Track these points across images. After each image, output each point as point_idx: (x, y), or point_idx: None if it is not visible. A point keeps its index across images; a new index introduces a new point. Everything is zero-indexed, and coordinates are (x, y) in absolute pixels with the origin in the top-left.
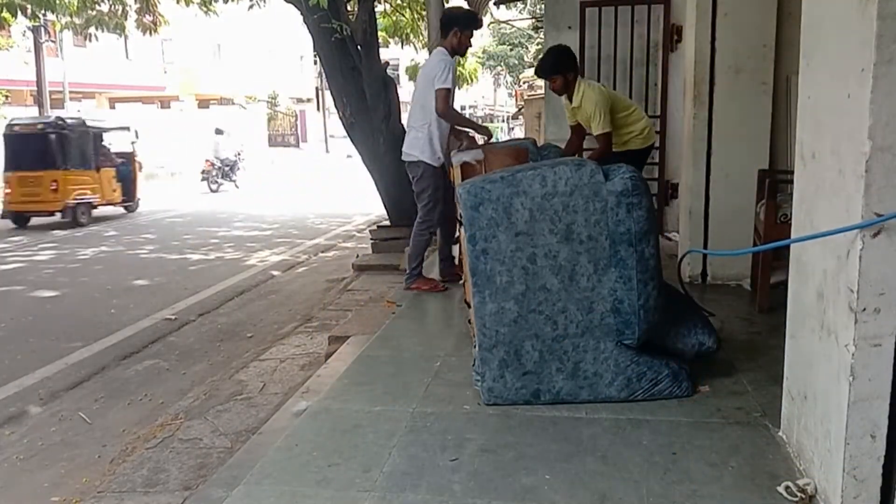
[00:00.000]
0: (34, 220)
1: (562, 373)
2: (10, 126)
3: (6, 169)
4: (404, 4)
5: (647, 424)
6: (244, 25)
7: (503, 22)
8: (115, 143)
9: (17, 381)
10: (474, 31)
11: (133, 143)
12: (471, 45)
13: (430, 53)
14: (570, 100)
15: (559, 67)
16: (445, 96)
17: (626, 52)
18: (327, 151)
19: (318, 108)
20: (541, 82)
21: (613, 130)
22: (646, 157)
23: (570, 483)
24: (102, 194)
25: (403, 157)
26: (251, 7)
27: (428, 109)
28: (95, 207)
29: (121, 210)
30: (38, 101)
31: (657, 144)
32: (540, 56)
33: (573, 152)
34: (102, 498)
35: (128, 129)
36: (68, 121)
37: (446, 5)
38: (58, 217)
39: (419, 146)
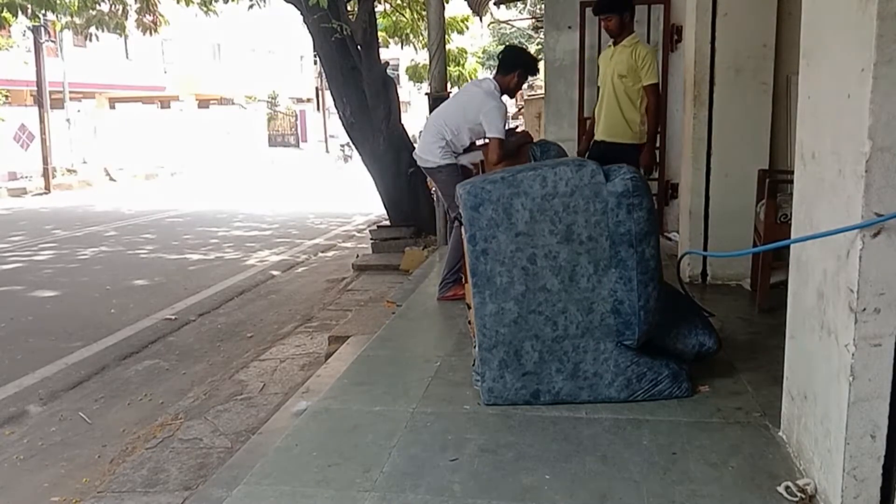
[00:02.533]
0: None
1: (562, 373)
2: None
3: None
4: (404, 4)
5: (647, 424)
6: (244, 25)
7: (503, 22)
8: None
9: (17, 381)
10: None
11: None
12: (521, 88)
13: (429, 54)
14: (615, 44)
15: (618, 5)
16: (500, 146)
17: None
18: (327, 151)
19: (318, 108)
20: (541, 82)
21: (634, 118)
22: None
23: (570, 483)
24: None
25: (422, 164)
26: (251, 7)
27: (452, 130)
28: None
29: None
30: (38, 101)
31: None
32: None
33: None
34: (102, 498)
35: None
36: None
37: (446, 5)
38: None
39: (438, 153)
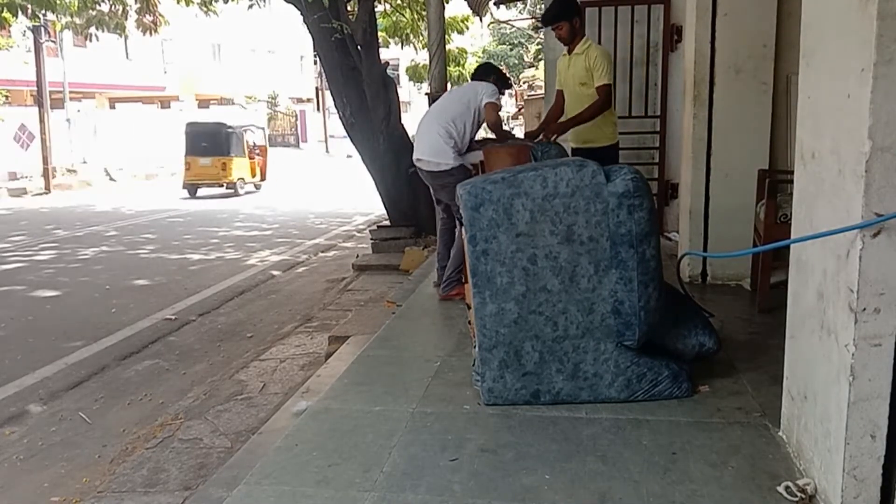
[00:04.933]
0: None
1: (562, 373)
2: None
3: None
4: (404, 4)
5: (647, 424)
6: (244, 25)
7: (503, 22)
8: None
9: (17, 381)
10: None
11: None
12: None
13: (429, 54)
14: (570, 52)
15: (565, 12)
16: (495, 108)
17: (626, 52)
18: (327, 151)
19: (318, 108)
20: (541, 82)
21: (605, 120)
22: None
23: (570, 483)
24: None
25: (430, 168)
26: (251, 7)
27: (457, 125)
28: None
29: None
30: (38, 101)
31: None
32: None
33: (557, 116)
34: (102, 498)
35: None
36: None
37: (446, 5)
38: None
39: (452, 154)
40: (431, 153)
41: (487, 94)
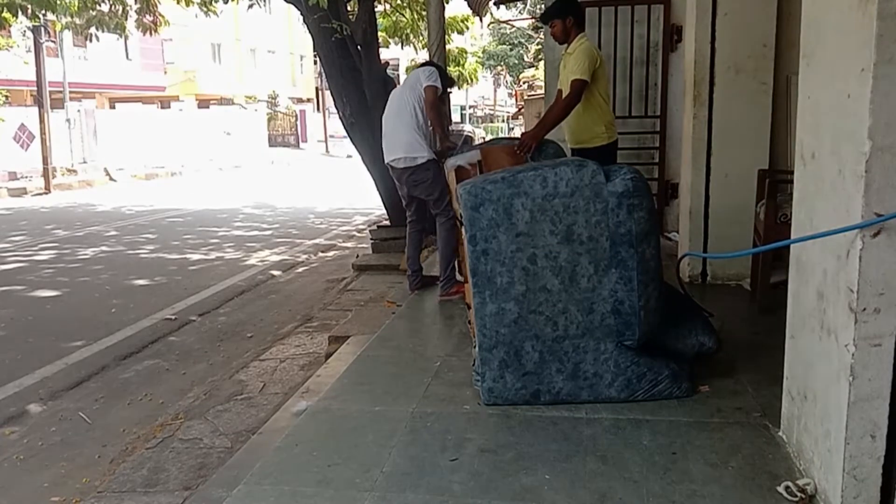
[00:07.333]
0: None
1: (562, 373)
2: None
3: None
4: (404, 4)
5: (647, 424)
6: (244, 25)
7: (503, 22)
8: None
9: (17, 380)
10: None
11: None
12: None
13: (429, 54)
14: (566, 51)
15: (558, 11)
16: (434, 92)
17: (626, 52)
18: (327, 151)
19: (318, 108)
20: (541, 82)
21: (591, 114)
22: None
23: (570, 483)
24: None
25: (407, 164)
26: (251, 7)
27: (419, 113)
28: None
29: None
30: (38, 101)
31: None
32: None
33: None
34: (102, 498)
35: None
36: None
37: (446, 5)
38: None
39: (425, 144)
40: (407, 150)
41: (426, 78)
